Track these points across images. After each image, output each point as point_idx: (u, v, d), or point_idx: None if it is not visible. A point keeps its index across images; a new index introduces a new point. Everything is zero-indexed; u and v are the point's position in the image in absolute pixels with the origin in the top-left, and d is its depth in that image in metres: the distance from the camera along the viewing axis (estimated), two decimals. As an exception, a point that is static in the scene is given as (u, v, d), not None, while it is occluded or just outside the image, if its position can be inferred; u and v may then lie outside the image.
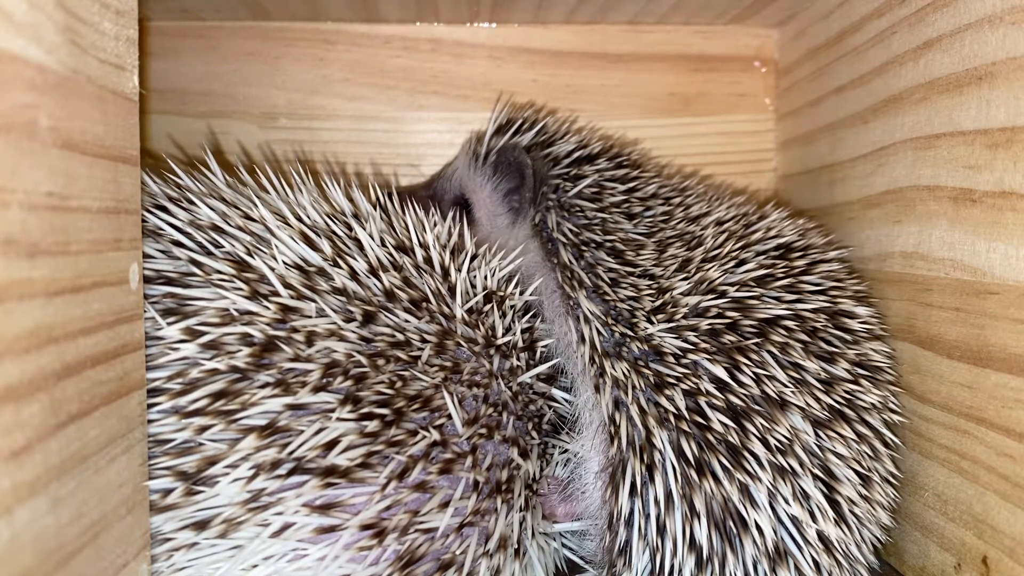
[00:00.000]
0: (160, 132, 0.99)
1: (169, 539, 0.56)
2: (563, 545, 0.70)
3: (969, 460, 0.63)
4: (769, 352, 0.64)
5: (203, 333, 0.57)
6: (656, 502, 0.61)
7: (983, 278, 0.61)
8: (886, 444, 0.67)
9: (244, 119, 1.01)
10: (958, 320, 0.64)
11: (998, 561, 0.60)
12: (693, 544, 0.60)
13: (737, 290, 0.66)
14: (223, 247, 0.62)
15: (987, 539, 0.61)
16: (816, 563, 0.61)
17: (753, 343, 0.64)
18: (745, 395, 0.62)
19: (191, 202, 0.65)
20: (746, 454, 0.60)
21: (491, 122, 0.84)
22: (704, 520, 0.60)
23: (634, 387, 0.64)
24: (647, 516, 0.61)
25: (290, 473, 0.54)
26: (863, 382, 0.66)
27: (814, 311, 0.67)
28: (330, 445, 0.55)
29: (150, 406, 0.55)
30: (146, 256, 0.58)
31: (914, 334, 0.71)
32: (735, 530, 0.60)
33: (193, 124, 1.01)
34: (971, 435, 0.63)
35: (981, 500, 0.62)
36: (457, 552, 0.57)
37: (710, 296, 0.66)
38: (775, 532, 0.60)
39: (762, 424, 0.61)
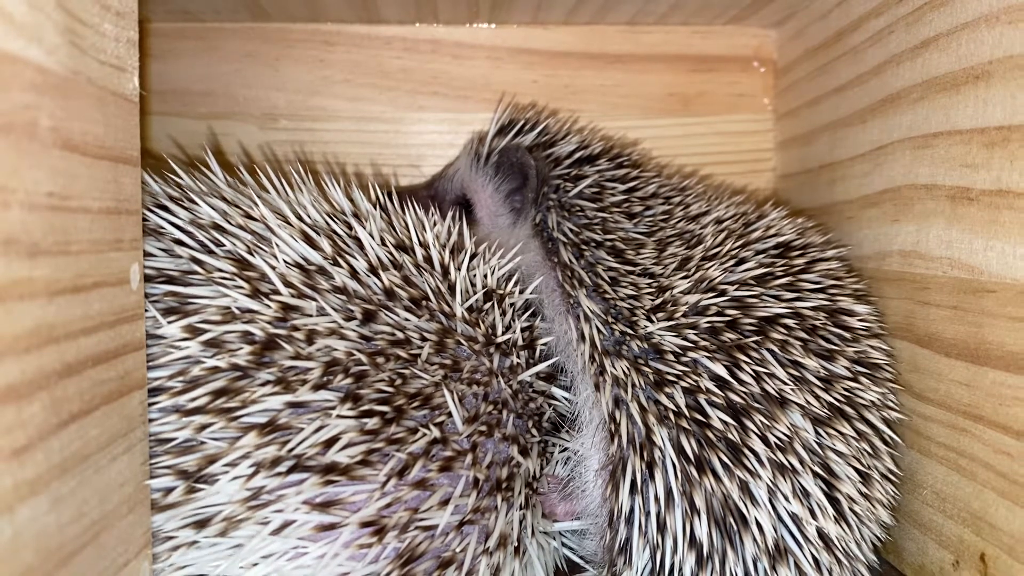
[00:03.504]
0: (161, 133, 1.00)
1: (169, 538, 0.56)
2: (563, 544, 0.70)
3: (967, 458, 0.63)
4: (769, 350, 0.64)
5: (204, 331, 0.57)
6: (656, 499, 0.61)
7: (980, 276, 0.61)
8: (885, 441, 0.67)
9: (245, 120, 1.02)
10: (956, 318, 0.65)
11: (996, 558, 0.60)
12: (693, 541, 0.60)
13: (737, 289, 0.67)
14: (224, 246, 0.62)
15: (985, 536, 0.61)
16: (816, 561, 0.61)
17: (753, 341, 0.64)
18: (745, 393, 0.62)
19: (192, 201, 0.66)
20: (746, 451, 0.60)
21: (493, 123, 0.85)
22: (704, 517, 0.60)
23: (634, 385, 0.64)
24: (647, 513, 0.61)
25: (290, 471, 0.54)
26: (862, 380, 0.66)
27: (813, 309, 0.67)
28: (330, 442, 0.55)
29: (151, 405, 0.56)
30: (147, 254, 0.59)
31: (912, 332, 0.71)
32: (735, 527, 0.60)
33: (194, 125, 1.01)
34: (969, 433, 0.63)
35: (979, 497, 0.62)
36: (457, 550, 0.57)
37: (710, 295, 0.67)
38: (775, 529, 0.60)
39: (762, 421, 0.61)
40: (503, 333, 0.65)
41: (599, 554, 0.68)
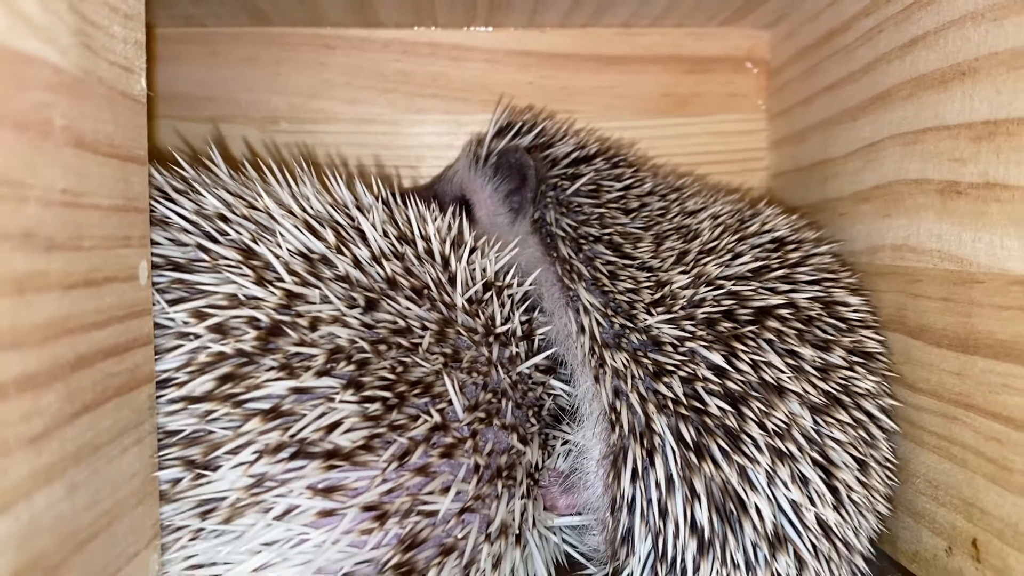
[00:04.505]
0: (163, 136, 1.01)
1: (176, 528, 0.57)
2: (564, 540, 0.71)
3: (959, 445, 0.65)
4: (766, 340, 0.65)
5: (210, 315, 0.58)
6: (657, 485, 0.62)
7: (969, 268, 0.63)
8: (882, 429, 0.68)
9: (246, 123, 1.03)
10: (946, 309, 0.66)
11: (987, 543, 0.61)
12: (694, 527, 0.61)
13: (734, 283, 0.68)
14: (229, 235, 0.63)
15: (977, 522, 0.62)
16: (814, 548, 0.62)
17: (749, 331, 0.65)
18: (742, 381, 0.63)
19: (198, 192, 0.67)
20: (744, 438, 0.61)
21: (491, 125, 0.86)
22: (704, 502, 0.61)
23: (633, 376, 0.65)
24: (649, 500, 0.62)
25: (293, 456, 0.55)
26: (858, 369, 0.67)
27: (809, 300, 0.68)
28: (332, 427, 0.56)
29: (158, 397, 0.57)
30: (154, 243, 0.60)
31: (904, 324, 0.73)
32: (735, 512, 0.61)
33: (196, 128, 1.02)
34: (960, 421, 0.64)
35: (970, 484, 0.63)
36: (458, 537, 0.58)
37: (707, 288, 0.68)
38: (774, 516, 0.61)
39: (759, 409, 0.62)
40: (502, 324, 0.66)
41: (601, 547, 0.69)
